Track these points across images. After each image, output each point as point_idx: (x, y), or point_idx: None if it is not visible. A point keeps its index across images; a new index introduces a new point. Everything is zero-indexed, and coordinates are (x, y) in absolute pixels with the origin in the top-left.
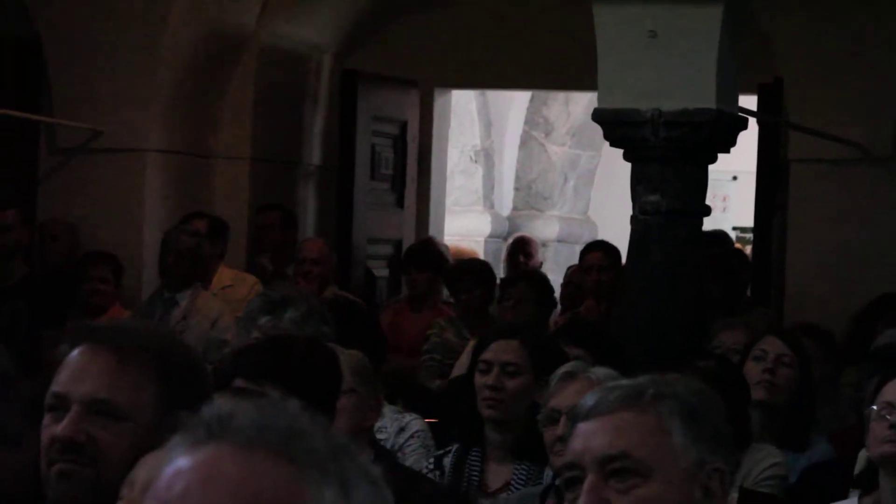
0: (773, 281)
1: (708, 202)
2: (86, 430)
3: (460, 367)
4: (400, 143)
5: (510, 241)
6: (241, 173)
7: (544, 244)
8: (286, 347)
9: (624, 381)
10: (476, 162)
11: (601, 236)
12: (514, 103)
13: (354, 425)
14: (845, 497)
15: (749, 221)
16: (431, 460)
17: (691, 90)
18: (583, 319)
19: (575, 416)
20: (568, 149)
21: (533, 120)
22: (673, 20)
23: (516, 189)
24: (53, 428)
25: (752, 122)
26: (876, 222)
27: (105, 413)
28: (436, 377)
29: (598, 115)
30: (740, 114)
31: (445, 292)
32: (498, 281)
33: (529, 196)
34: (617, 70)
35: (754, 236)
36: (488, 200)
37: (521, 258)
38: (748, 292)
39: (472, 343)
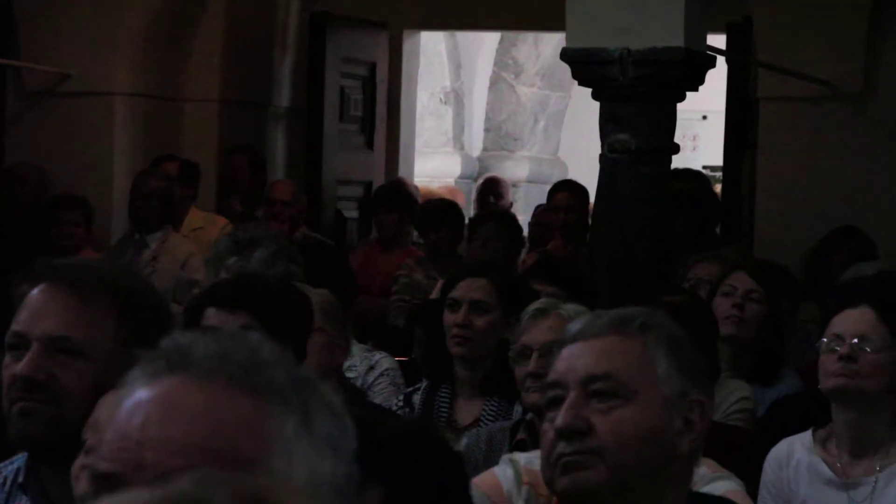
0: (743, 219)
1: (678, 142)
2: (46, 367)
3: None
4: (369, 84)
5: (480, 181)
6: (210, 116)
7: (514, 185)
8: (259, 282)
9: (613, 310)
10: (446, 103)
11: (571, 176)
12: (484, 45)
13: (322, 364)
14: None
15: (719, 160)
16: (401, 398)
17: (660, 29)
18: (554, 257)
19: (561, 342)
20: (537, 90)
21: (502, 61)
22: None
23: (486, 130)
24: (14, 367)
25: (722, 61)
26: (845, 159)
27: (65, 351)
28: (405, 318)
29: (566, 55)
30: (709, 52)
31: (416, 233)
32: (467, 221)
33: (499, 137)
34: (585, 9)
35: (724, 175)
36: (458, 142)
37: (492, 199)
38: (718, 230)
39: (440, 283)
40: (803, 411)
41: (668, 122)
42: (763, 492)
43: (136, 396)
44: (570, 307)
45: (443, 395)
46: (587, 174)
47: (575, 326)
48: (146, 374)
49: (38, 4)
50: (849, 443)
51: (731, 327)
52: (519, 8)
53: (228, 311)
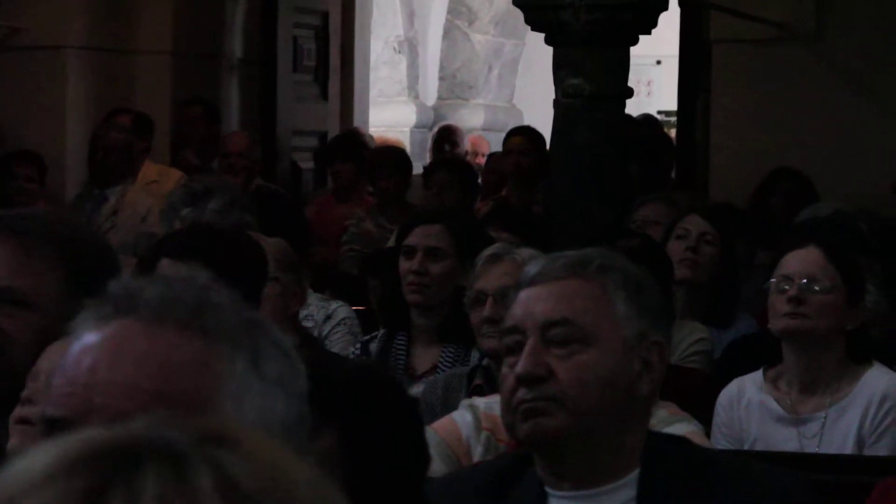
0: (698, 163)
1: (632, 87)
2: None
3: None
4: (322, 34)
5: (435, 130)
6: (162, 68)
7: (470, 132)
8: (212, 231)
9: (570, 252)
10: (399, 52)
11: (526, 123)
12: None
13: (277, 312)
14: None
15: (674, 105)
16: (358, 346)
17: None
18: (508, 204)
19: (517, 286)
20: (491, 37)
21: (456, 9)
22: None
23: (441, 79)
24: None
25: (675, 4)
26: (799, 101)
27: (9, 301)
28: (357, 267)
29: (519, 0)
30: None
31: None
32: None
33: (454, 85)
34: None
35: (678, 119)
36: (413, 91)
37: (447, 147)
38: (673, 175)
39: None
40: (759, 352)
41: (622, 66)
42: (715, 432)
43: (84, 340)
44: (524, 252)
45: (399, 342)
46: (542, 122)
47: (532, 269)
48: (94, 319)
49: None
50: (799, 381)
51: (685, 270)
52: None
53: (182, 261)
